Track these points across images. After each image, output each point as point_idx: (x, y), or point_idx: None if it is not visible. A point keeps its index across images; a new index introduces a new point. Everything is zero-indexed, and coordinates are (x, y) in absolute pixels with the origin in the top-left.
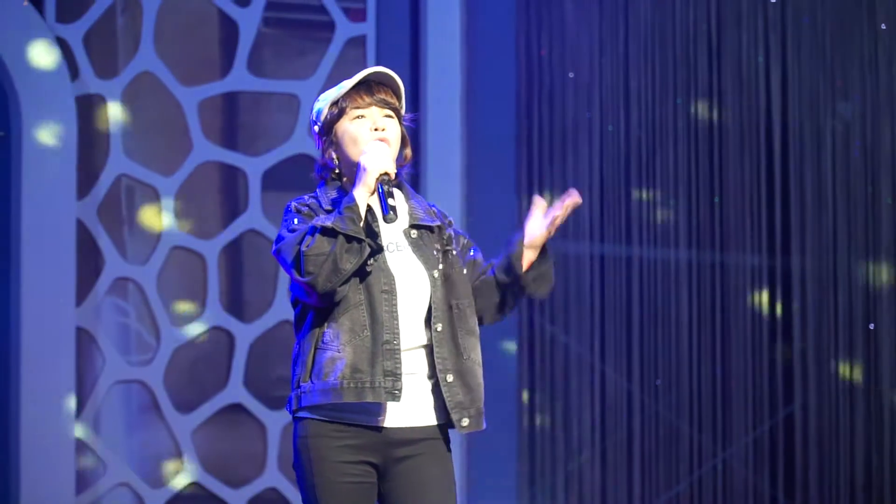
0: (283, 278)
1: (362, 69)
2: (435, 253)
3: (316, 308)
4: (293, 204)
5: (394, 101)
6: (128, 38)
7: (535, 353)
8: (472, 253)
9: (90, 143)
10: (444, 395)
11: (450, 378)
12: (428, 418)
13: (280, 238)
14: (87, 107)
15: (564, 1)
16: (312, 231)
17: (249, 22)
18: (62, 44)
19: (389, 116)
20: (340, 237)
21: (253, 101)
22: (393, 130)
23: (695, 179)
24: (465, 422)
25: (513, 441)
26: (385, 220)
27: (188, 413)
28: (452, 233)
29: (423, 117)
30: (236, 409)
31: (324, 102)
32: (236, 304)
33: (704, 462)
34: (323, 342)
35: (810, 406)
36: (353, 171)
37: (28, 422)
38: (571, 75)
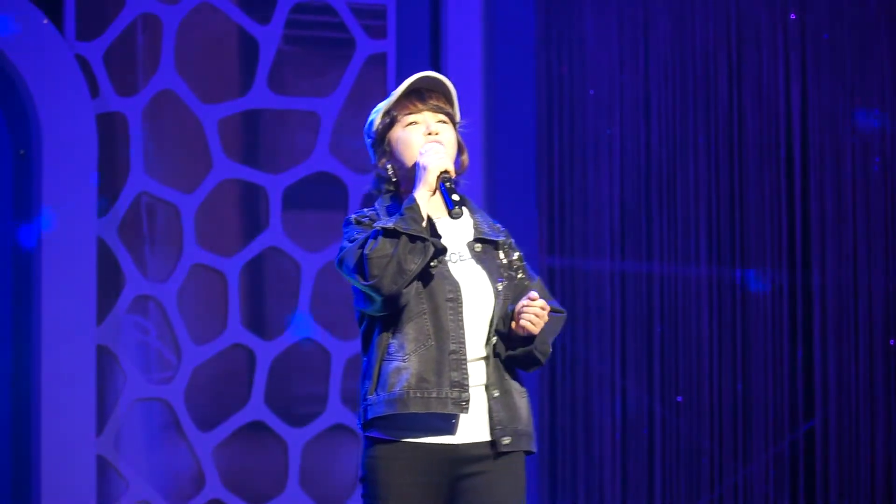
0: (305, 296)
1: (382, 87)
2: (498, 267)
3: (381, 320)
4: (352, 217)
5: (447, 106)
6: (148, 56)
7: (555, 369)
8: (528, 280)
9: (110, 160)
10: (491, 411)
11: (496, 394)
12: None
13: (341, 249)
14: (108, 125)
15: (585, 18)
16: (375, 234)
17: (270, 40)
18: (82, 62)
19: (443, 122)
20: (403, 237)
21: (273, 119)
22: (447, 135)
23: (715, 195)
24: (506, 440)
25: (533, 456)
26: (451, 215)
27: (209, 430)
28: (514, 258)
29: None
30: (257, 426)
31: (376, 113)
32: (257, 322)
33: (725, 478)
34: (388, 353)
35: (831, 422)
36: (409, 178)
37: (49, 439)
38: (592, 92)
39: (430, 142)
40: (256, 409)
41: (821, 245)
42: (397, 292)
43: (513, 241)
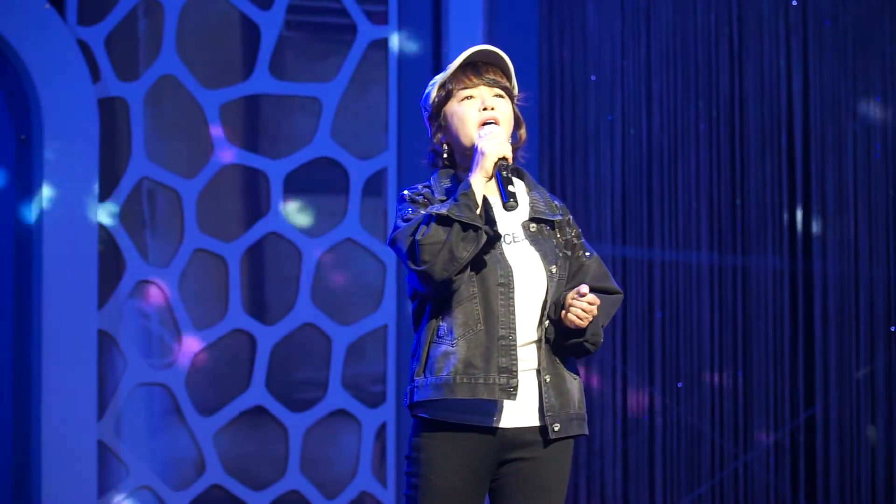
0: (306, 281)
1: (384, 72)
2: (554, 248)
3: (433, 301)
4: (407, 193)
5: (503, 80)
6: (149, 41)
7: None
8: (584, 257)
9: (112, 146)
10: (542, 397)
11: (548, 379)
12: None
13: (395, 228)
14: (109, 110)
15: (586, 4)
16: (427, 219)
17: (271, 25)
18: (84, 47)
19: (500, 96)
20: (456, 225)
21: (275, 104)
22: (504, 111)
23: (716, 182)
24: (557, 426)
25: None
26: (505, 207)
27: (210, 416)
28: (572, 234)
29: None
30: (258, 411)
31: (432, 86)
32: (258, 307)
33: (726, 465)
34: (438, 336)
35: (832, 409)
36: (464, 153)
37: (50, 425)
38: (593, 78)
39: (485, 119)
40: (257, 394)
41: (822, 232)
42: (448, 278)
43: (570, 217)
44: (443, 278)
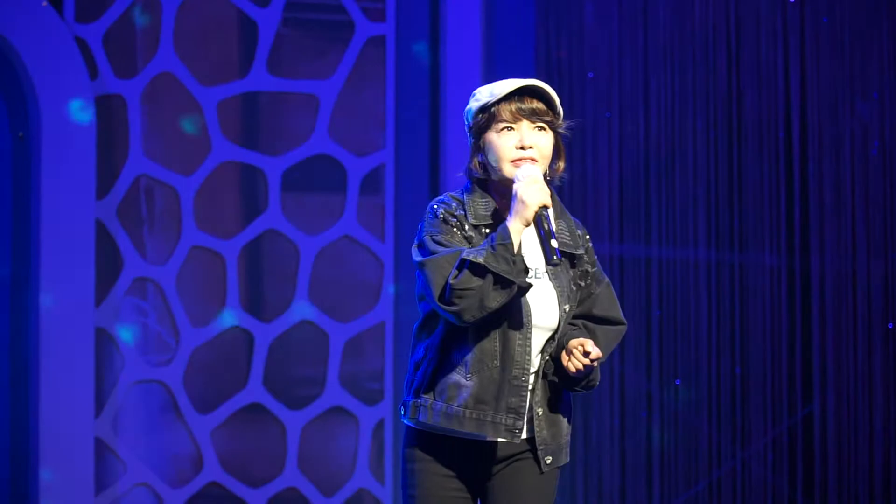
0: (303, 278)
1: (382, 69)
2: (569, 283)
3: (449, 323)
4: (441, 211)
5: (546, 112)
6: (147, 39)
7: None
8: (594, 287)
9: (109, 143)
10: (535, 428)
11: (540, 412)
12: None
13: (424, 246)
14: (107, 107)
15: (584, 2)
16: (461, 264)
17: (269, 22)
18: (81, 44)
19: (541, 128)
20: (490, 276)
21: (272, 102)
22: (543, 146)
23: (714, 179)
24: (549, 459)
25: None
26: (548, 264)
27: (207, 413)
28: (588, 263)
29: (442, 118)
30: (256, 408)
31: (476, 102)
32: (256, 304)
33: (724, 462)
34: (450, 362)
35: (829, 406)
36: (498, 181)
37: (47, 421)
38: (591, 75)
39: (522, 158)
40: (255, 391)
41: (819, 229)
42: (473, 322)
43: (590, 245)
44: (467, 322)
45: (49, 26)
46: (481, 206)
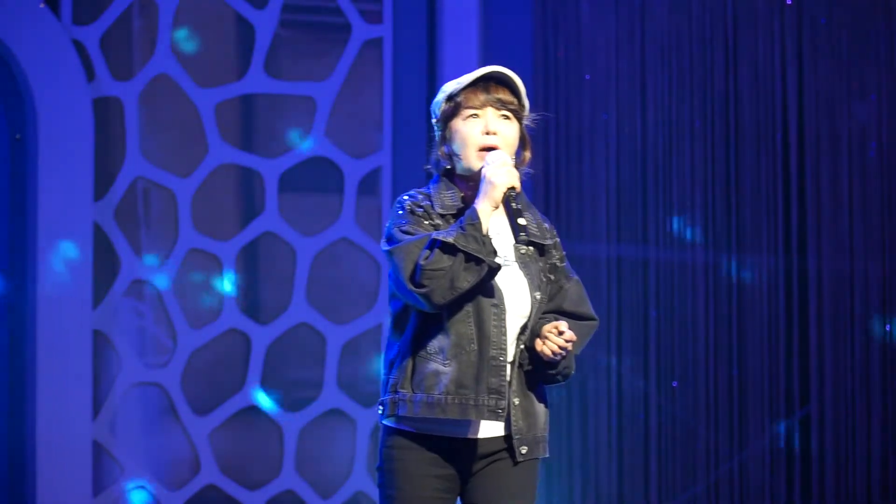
0: (301, 281)
1: (379, 71)
2: (539, 272)
3: (420, 311)
4: (407, 202)
5: (512, 100)
6: (144, 41)
7: None
8: (565, 281)
9: (107, 145)
10: (511, 419)
11: (517, 401)
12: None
13: (392, 238)
14: (104, 109)
15: (581, 2)
16: (431, 245)
17: (266, 24)
18: (78, 46)
19: (506, 117)
20: (461, 255)
21: (269, 104)
22: (508, 133)
23: (711, 180)
24: (524, 449)
25: None
26: (517, 240)
27: (205, 415)
28: (557, 258)
29: None
30: (253, 411)
31: (442, 94)
32: (253, 307)
33: (721, 463)
34: (426, 352)
35: (826, 407)
36: (463, 170)
37: (45, 424)
38: (588, 77)
39: (486, 144)
40: (252, 393)
41: (817, 230)
42: (444, 304)
43: (558, 240)
44: (439, 304)
45: (46, 28)
46: (447, 196)
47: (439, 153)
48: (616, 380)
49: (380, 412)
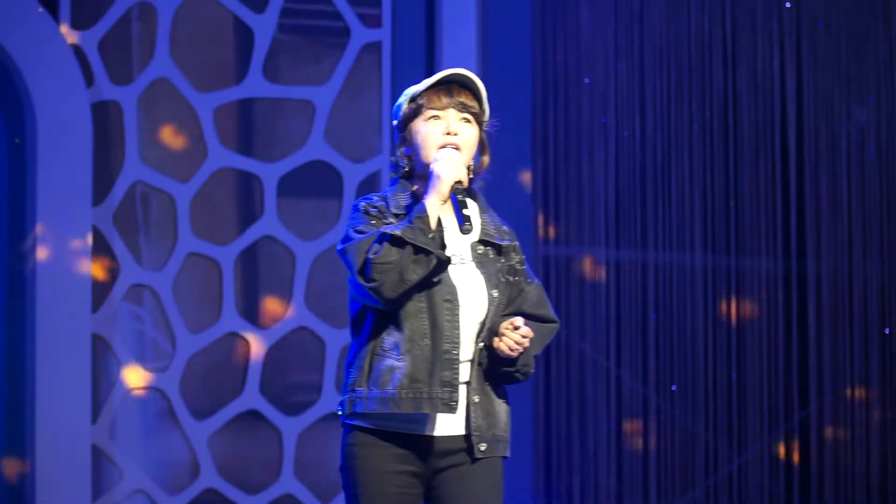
0: (300, 285)
1: (377, 76)
2: (497, 272)
3: (377, 311)
4: (362, 204)
5: (473, 104)
6: (143, 45)
7: (550, 357)
8: (525, 284)
9: (105, 149)
10: (470, 416)
11: (476, 399)
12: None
13: (347, 238)
14: (103, 113)
15: (580, 6)
16: (381, 238)
17: (265, 28)
18: (77, 50)
19: (467, 120)
20: (409, 247)
21: (268, 108)
22: (468, 136)
23: (710, 183)
24: (483, 446)
25: (528, 446)
26: (461, 231)
27: (204, 419)
28: (516, 260)
29: None
30: (252, 415)
31: (404, 97)
32: (252, 311)
33: (720, 467)
34: (382, 349)
35: (826, 410)
36: (422, 171)
37: (44, 428)
38: (587, 80)
39: (447, 143)
40: (251, 398)
41: (816, 233)
42: (395, 298)
43: (518, 244)
44: (390, 297)
45: (45, 33)
46: (402, 197)
47: (398, 154)
48: (615, 383)
49: (339, 413)
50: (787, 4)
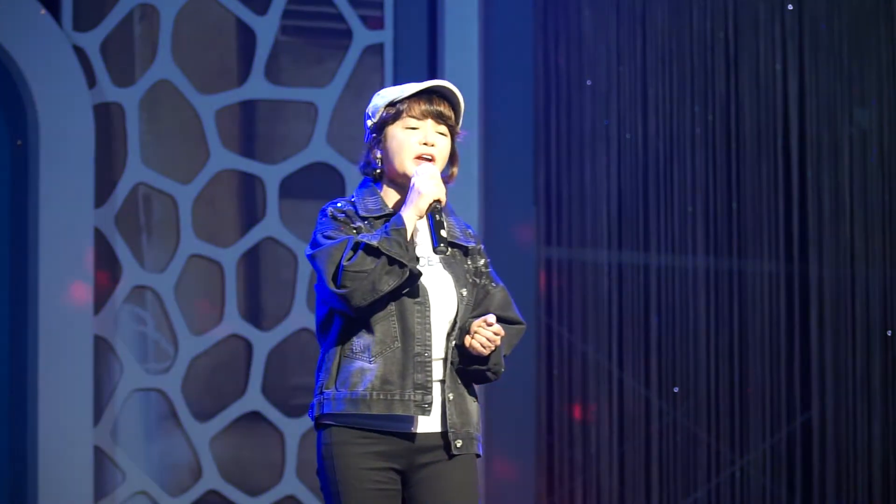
0: (302, 286)
1: (380, 77)
2: (464, 273)
3: (344, 314)
4: (329, 209)
5: (450, 114)
6: (145, 47)
7: (552, 360)
8: (491, 286)
9: (108, 151)
10: (446, 413)
11: (451, 396)
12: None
13: (316, 243)
14: (105, 115)
15: (582, 9)
16: (355, 246)
17: (267, 30)
18: (79, 52)
19: (442, 133)
20: (384, 258)
21: (270, 110)
22: (442, 147)
23: (712, 186)
24: (459, 443)
25: (531, 447)
26: (435, 251)
27: (206, 421)
28: (481, 263)
29: None
30: (254, 417)
31: (382, 99)
32: (254, 312)
33: (722, 469)
34: (351, 351)
35: (828, 413)
36: (393, 176)
37: (46, 430)
38: (589, 83)
39: (423, 154)
40: (253, 399)
41: (818, 236)
42: (364, 305)
43: (482, 247)
44: (359, 305)
45: (47, 34)
46: (370, 201)
47: (372, 157)
48: (617, 386)
49: (310, 415)
50: (790, 7)
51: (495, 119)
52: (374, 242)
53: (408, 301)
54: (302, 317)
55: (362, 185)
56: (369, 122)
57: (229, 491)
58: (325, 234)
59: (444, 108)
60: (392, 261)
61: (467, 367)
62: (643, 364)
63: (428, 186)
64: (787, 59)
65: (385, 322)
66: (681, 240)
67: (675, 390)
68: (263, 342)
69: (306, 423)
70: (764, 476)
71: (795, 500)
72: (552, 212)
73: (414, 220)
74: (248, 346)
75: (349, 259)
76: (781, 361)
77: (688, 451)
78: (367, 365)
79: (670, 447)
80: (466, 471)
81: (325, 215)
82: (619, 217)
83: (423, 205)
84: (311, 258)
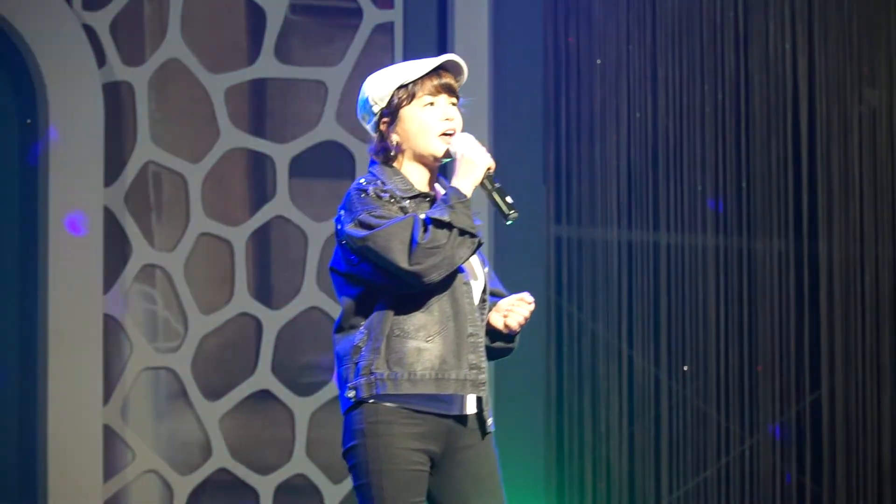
0: (311, 265)
1: (389, 56)
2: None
3: (388, 295)
4: (370, 189)
5: (456, 85)
6: (155, 26)
7: (562, 339)
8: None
9: (117, 130)
10: (480, 391)
11: (482, 377)
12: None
13: (366, 224)
14: (114, 94)
15: None
16: (426, 223)
17: (277, 9)
18: (89, 31)
19: (454, 105)
20: (455, 230)
21: (280, 88)
22: (459, 119)
23: (722, 165)
24: (490, 420)
25: (540, 427)
26: (507, 218)
27: (216, 400)
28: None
29: None
30: (264, 395)
31: (385, 84)
32: (264, 291)
33: (732, 448)
34: (403, 330)
35: (837, 391)
36: (417, 156)
37: (56, 409)
38: (599, 62)
39: (447, 129)
40: (263, 378)
41: (827, 215)
42: (440, 280)
43: None
44: (433, 280)
45: (57, 14)
46: (398, 180)
47: (388, 142)
48: (627, 364)
49: (350, 396)
50: None
51: (505, 98)
52: (446, 216)
53: (457, 281)
54: (312, 295)
55: (374, 165)
56: (375, 108)
57: (239, 469)
58: (373, 213)
59: (452, 81)
60: (462, 232)
61: (492, 343)
62: (653, 343)
63: (480, 156)
64: (796, 37)
65: (439, 301)
66: (690, 218)
67: (685, 369)
68: (273, 321)
69: (316, 401)
70: (773, 455)
71: (805, 479)
72: (562, 190)
73: (471, 189)
74: (258, 325)
75: (423, 237)
76: (791, 340)
77: (698, 430)
78: (423, 345)
79: (680, 426)
80: (493, 449)
81: (368, 194)
82: (628, 195)
83: (479, 174)
84: (368, 241)
